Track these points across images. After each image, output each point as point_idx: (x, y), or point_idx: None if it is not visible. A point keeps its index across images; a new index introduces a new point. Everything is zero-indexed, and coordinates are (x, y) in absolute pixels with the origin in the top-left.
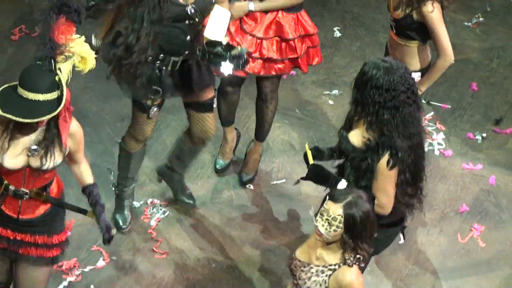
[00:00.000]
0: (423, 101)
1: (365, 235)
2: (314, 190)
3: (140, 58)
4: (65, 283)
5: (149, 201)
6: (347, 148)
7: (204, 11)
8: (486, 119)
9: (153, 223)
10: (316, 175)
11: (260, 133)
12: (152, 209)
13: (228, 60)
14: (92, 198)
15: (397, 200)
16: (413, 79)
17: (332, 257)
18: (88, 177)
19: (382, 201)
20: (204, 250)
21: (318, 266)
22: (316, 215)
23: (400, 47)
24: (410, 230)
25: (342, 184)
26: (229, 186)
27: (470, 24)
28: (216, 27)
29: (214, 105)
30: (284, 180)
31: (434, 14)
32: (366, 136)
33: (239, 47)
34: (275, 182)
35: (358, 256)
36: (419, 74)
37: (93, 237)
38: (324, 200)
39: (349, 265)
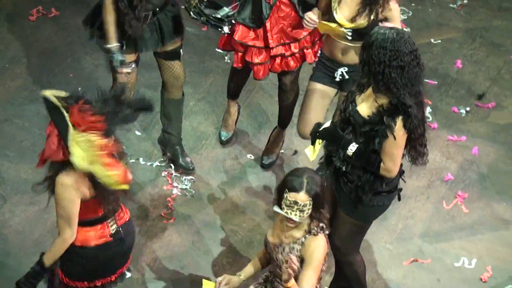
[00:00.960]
0: None
1: (324, 203)
2: (310, 163)
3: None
4: None
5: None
6: (358, 122)
7: None
8: (469, 94)
9: (175, 191)
10: (328, 133)
11: (283, 121)
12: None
13: (227, 23)
14: None
15: (414, 155)
16: (414, 45)
17: (297, 232)
18: None
19: (388, 166)
20: (208, 215)
21: (289, 243)
22: (281, 208)
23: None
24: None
25: (353, 147)
26: (231, 156)
27: (455, 6)
28: None
29: (181, 52)
30: (283, 151)
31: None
32: (377, 105)
33: (224, 8)
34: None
35: (321, 224)
36: None
37: None
38: (281, 194)
39: (314, 234)
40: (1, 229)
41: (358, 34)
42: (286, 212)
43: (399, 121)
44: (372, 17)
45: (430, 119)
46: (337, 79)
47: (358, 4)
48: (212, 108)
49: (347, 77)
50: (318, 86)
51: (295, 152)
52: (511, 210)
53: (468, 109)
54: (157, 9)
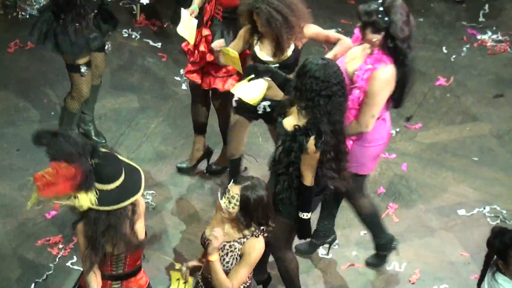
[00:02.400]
0: None
1: (258, 216)
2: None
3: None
4: (51, 258)
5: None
6: (281, 132)
7: None
8: (399, 117)
9: None
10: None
11: (223, 139)
12: None
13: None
14: None
15: (322, 174)
16: (343, 75)
17: (235, 232)
18: None
19: (306, 176)
20: (168, 226)
21: (229, 241)
22: (221, 195)
23: None
24: None
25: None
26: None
27: None
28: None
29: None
30: None
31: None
32: (297, 122)
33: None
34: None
35: (262, 227)
36: None
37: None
38: (229, 183)
39: (256, 236)
40: None
41: (284, 66)
42: (220, 197)
43: (311, 141)
44: (292, 49)
45: None
46: (260, 112)
47: (275, 40)
48: (172, 130)
49: (269, 110)
50: (238, 117)
51: (245, 168)
52: (436, 220)
53: (398, 129)
54: (96, 10)
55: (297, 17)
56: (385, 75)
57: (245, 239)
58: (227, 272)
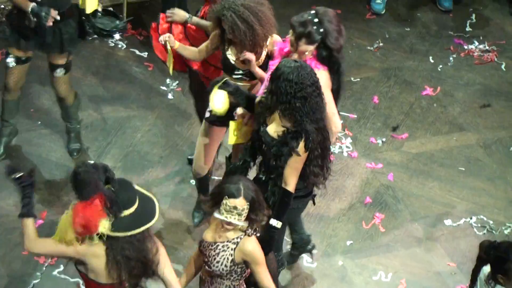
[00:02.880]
0: None
1: (259, 207)
2: None
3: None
4: (38, 267)
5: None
6: (267, 141)
7: None
8: (385, 127)
9: None
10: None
11: None
12: None
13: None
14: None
15: (309, 172)
16: (317, 76)
17: (232, 233)
18: None
19: (291, 181)
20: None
21: (223, 242)
22: (220, 213)
23: None
24: (323, 218)
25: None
26: (175, 181)
27: (372, 48)
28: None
29: (59, 71)
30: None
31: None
32: (282, 128)
33: (117, 21)
34: None
35: (255, 226)
36: None
37: None
38: (218, 201)
39: (249, 235)
40: None
41: (250, 73)
42: (226, 217)
43: (301, 143)
44: (264, 54)
45: (351, 148)
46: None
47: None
48: (158, 139)
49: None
50: (213, 128)
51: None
52: (422, 230)
53: (384, 139)
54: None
55: (263, 26)
56: (321, 79)
57: (238, 239)
58: (218, 275)
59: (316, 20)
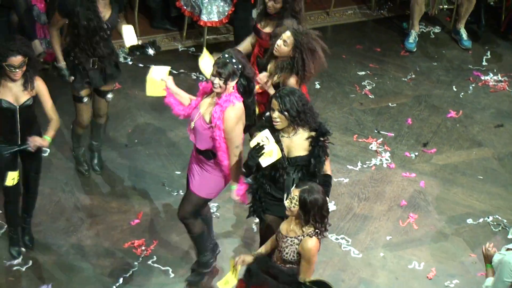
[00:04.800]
0: (375, 131)
1: (315, 215)
2: None
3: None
4: (135, 257)
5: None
6: (298, 162)
7: (113, 26)
8: (417, 143)
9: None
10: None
11: None
12: None
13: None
14: None
15: None
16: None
17: (298, 230)
18: None
19: (329, 167)
20: (229, 232)
21: (291, 237)
22: (286, 196)
23: None
24: (368, 218)
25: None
26: None
27: (406, 79)
28: (132, 37)
29: (110, 95)
30: None
31: (292, 83)
32: (308, 138)
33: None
34: None
35: (316, 230)
36: None
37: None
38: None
39: (310, 236)
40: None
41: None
42: (286, 199)
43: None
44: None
45: (389, 161)
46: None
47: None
48: None
49: None
50: None
51: None
52: (448, 227)
53: (416, 153)
54: (103, 58)
55: (314, 63)
56: (235, 112)
57: (302, 237)
58: (286, 261)
59: (233, 60)
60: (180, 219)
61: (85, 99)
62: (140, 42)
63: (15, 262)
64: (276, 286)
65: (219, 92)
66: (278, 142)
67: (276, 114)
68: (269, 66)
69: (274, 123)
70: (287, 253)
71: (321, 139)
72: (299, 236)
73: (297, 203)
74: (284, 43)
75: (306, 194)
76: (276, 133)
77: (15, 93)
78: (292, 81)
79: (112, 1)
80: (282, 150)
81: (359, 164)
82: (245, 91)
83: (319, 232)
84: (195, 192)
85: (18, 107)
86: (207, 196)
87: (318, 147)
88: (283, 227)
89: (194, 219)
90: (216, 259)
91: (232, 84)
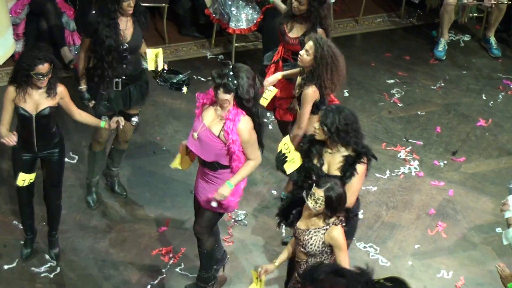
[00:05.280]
0: (404, 139)
1: (340, 209)
2: None
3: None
4: (163, 264)
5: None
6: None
7: (136, 46)
8: (446, 151)
9: (233, 222)
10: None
11: None
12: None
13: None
14: None
15: None
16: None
17: (321, 221)
18: None
19: (352, 200)
20: (257, 239)
21: (315, 228)
22: (306, 197)
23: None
24: (396, 226)
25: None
26: (273, 196)
27: (435, 87)
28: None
29: (135, 119)
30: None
31: (309, 96)
32: (344, 156)
33: (180, 75)
34: None
35: (340, 218)
36: None
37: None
38: (311, 187)
39: (335, 225)
40: None
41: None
42: (307, 199)
43: (363, 165)
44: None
45: (418, 169)
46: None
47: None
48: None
49: None
50: None
51: None
52: (477, 236)
53: (445, 162)
54: (128, 81)
55: (337, 77)
56: (246, 123)
57: (327, 227)
58: (311, 254)
59: (231, 73)
60: (195, 234)
61: (105, 119)
62: (166, 67)
63: (43, 269)
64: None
65: (222, 105)
66: (321, 156)
67: (317, 125)
68: (298, 80)
69: (314, 132)
70: (311, 244)
71: (356, 161)
72: (323, 227)
73: (323, 203)
74: (306, 52)
75: (331, 193)
76: (320, 147)
77: (36, 101)
78: (310, 90)
79: (135, 22)
80: (322, 164)
81: (388, 172)
82: (243, 107)
83: (342, 219)
84: (206, 207)
85: (34, 116)
86: (221, 210)
87: (348, 169)
88: (301, 224)
89: (208, 236)
90: (224, 268)
91: (224, 96)
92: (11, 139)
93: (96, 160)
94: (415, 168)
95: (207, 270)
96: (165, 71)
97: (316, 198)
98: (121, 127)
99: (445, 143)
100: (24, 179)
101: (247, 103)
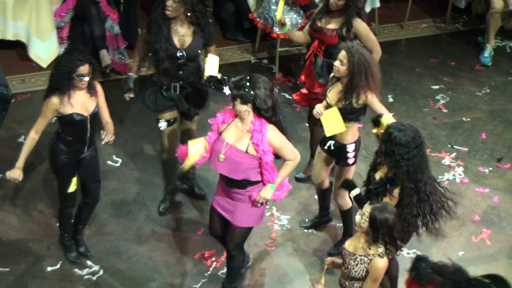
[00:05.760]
0: (449, 145)
1: (384, 235)
2: None
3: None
4: (205, 268)
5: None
6: (373, 181)
7: (192, 56)
8: (491, 158)
9: (276, 226)
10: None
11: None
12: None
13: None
14: None
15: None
16: (421, 139)
17: (367, 248)
18: None
19: None
20: (299, 244)
21: (361, 255)
22: (359, 211)
23: None
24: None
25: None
26: (315, 200)
27: (480, 93)
28: (213, 68)
29: (163, 124)
30: None
31: (373, 99)
32: (384, 175)
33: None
34: None
35: (387, 251)
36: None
37: None
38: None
39: (380, 256)
40: None
41: (349, 112)
42: (358, 214)
43: (396, 190)
44: (346, 103)
45: (463, 176)
46: (326, 147)
47: (340, 92)
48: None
49: (333, 148)
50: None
51: None
52: None
53: (490, 169)
54: (186, 86)
55: (373, 83)
56: (273, 130)
57: (372, 257)
58: (355, 278)
59: (248, 84)
60: (227, 251)
61: (162, 124)
62: (219, 76)
63: (85, 271)
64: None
65: (242, 117)
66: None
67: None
68: (329, 93)
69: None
70: (356, 271)
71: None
72: (369, 255)
73: (367, 219)
74: (340, 62)
75: (377, 212)
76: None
77: (83, 103)
78: (370, 97)
79: (197, 32)
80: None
81: None
82: (263, 117)
83: (389, 253)
84: (240, 225)
85: (89, 116)
86: (253, 224)
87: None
88: (350, 243)
89: (240, 252)
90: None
91: (241, 107)
92: (19, 176)
93: (165, 168)
94: (459, 174)
95: (233, 281)
96: (216, 80)
97: (363, 212)
98: (103, 142)
99: (490, 149)
100: (75, 183)
101: (265, 113)
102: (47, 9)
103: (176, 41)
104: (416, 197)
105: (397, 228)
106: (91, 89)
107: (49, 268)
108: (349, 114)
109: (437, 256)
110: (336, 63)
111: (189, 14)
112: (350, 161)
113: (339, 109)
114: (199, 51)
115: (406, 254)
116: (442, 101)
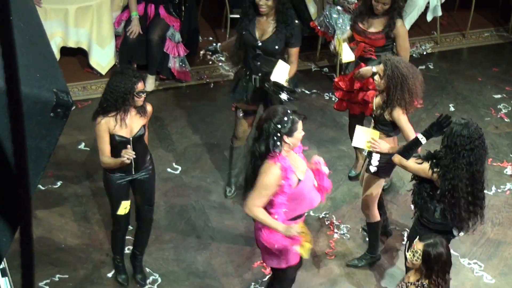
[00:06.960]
0: (511, 155)
1: (436, 270)
2: None
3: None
4: (264, 276)
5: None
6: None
7: (269, 49)
8: None
9: (335, 235)
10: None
11: None
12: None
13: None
14: None
15: (456, 214)
16: (481, 130)
17: (418, 278)
18: None
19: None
20: (358, 254)
21: (412, 282)
22: (407, 250)
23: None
24: (501, 243)
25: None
26: None
27: None
28: (280, 74)
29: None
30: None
31: (400, 117)
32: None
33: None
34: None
35: (436, 283)
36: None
37: None
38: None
39: (416, 286)
40: None
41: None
42: (407, 251)
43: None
44: (380, 112)
45: None
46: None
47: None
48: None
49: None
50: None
51: None
52: None
53: None
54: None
55: (408, 97)
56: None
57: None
58: None
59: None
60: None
61: (240, 112)
62: (286, 84)
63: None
64: None
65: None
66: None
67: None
68: (376, 98)
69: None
70: None
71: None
72: (414, 283)
73: (420, 257)
74: (379, 76)
75: (430, 248)
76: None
77: (129, 125)
78: (396, 114)
79: (279, 30)
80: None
81: (493, 188)
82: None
83: (424, 286)
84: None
85: (131, 139)
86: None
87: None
88: (411, 276)
89: None
90: None
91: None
92: (130, 154)
93: (233, 154)
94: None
95: None
96: (280, 86)
97: (415, 250)
98: (126, 160)
99: None
100: (125, 206)
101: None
102: (108, 17)
103: (257, 32)
104: (470, 190)
105: (449, 261)
106: (141, 108)
107: (109, 274)
108: (381, 125)
109: (499, 267)
110: (376, 77)
111: (276, 11)
112: (372, 168)
113: (374, 117)
114: (278, 48)
115: (467, 265)
116: (504, 111)
